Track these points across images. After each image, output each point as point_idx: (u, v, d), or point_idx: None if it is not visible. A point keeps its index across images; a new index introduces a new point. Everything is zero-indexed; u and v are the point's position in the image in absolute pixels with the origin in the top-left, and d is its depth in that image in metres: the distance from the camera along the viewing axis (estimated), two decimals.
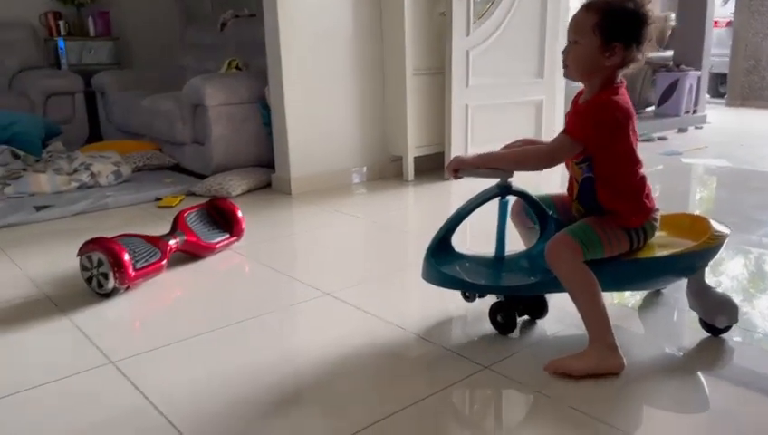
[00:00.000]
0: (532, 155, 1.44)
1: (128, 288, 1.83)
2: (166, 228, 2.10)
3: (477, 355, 1.42)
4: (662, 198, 3.02)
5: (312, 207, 2.88)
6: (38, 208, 2.71)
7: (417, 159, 3.36)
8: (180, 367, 1.43)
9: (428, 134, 3.37)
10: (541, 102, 3.66)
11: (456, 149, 3.31)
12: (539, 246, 1.49)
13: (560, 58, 1.45)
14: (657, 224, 1.48)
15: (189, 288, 1.94)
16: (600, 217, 1.42)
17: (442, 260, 1.52)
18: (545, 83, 3.64)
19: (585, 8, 1.36)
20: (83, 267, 1.81)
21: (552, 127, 3.74)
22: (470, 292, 1.59)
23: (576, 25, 1.37)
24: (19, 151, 3.34)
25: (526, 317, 1.58)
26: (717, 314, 1.46)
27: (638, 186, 1.43)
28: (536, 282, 1.46)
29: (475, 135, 3.38)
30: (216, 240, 2.17)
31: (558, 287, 1.40)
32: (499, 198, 1.48)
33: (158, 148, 3.70)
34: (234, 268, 2.12)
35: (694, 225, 1.57)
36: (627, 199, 1.42)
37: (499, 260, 1.54)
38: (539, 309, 1.57)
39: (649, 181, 1.46)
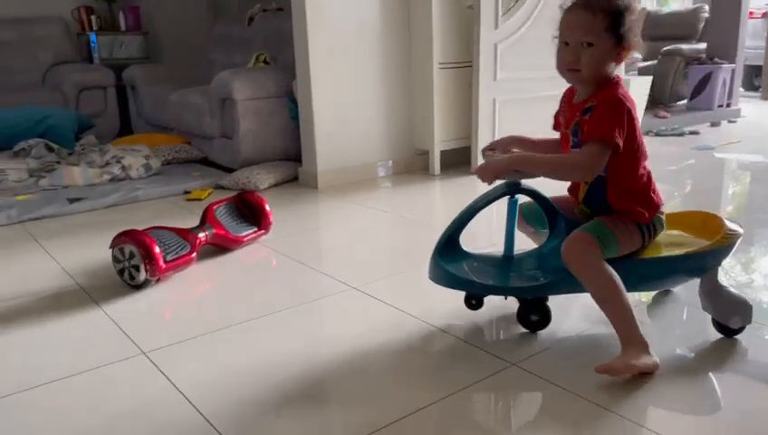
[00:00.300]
0: (571, 165, 1.37)
1: (158, 280, 1.86)
2: (195, 221, 2.13)
3: (504, 352, 1.42)
4: (693, 193, 2.97)
5: (338, 201, 2.89)
6: (71, 201, 2.77)
7: (443, 153, 3.35)
8: (208, 358, 1.45)
9: (455, 128, 3.36)
10: None
11: (483, 144, 3.28)
12: (549, 244, 1.47)
13: None
14: (664, 217, 1.46)
15: (218, 281, 1.97)
16: (610, 215, 1.40)
17: (449, 260, 1.49)
18: None
19: (588, 9, 1.32)
20: (116, 259, 1.85)
21: None
22: (478, 293, 1.53)
23: (585, 27, 1.32)
24: (53, 144, 3.42)
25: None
26: (731, 315, 1.43)
27: (646, 181, 1.42)
28: (547, 282, 1.43)
29: (502, 129, 3.35)
30: (244, 233, 2.20)
31: (569, 287, 1.38)
32: (508, 196, 1.45)
33: (186, 141, 3.75)
34: (261, 261, 2.14)
35: (706, 223, 1.54)
36: (636, 197, 1.40)
37: (508, 259, 1.51)
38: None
39: (654, 177, 1.44)
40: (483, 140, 3.29)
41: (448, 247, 1.50)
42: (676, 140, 4.33)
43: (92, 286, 1.88)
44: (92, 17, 4.88)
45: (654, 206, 1.42)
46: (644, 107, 4.29)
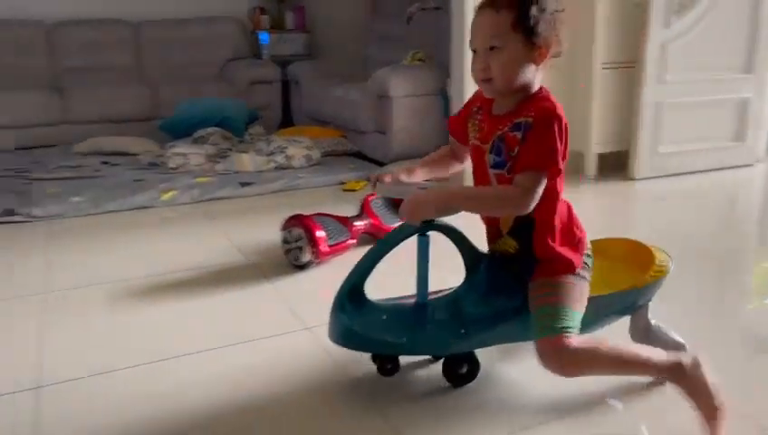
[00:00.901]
0: (508, 199, 1.16)
1: (320, 262, 2.00)
2: (349, 210, 2.26)
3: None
4: None
5: None
6: (242, 185, 3.05)
7: (598, 156, 3.22)
8: None
9: (613, 130, 3.21)
10: (746, 101, 3.30)
11: (644, 149, 3.13)
12: (466, 287, 1.30)
13: None
14: (591, 249, 1.28)
15: None
16: (543, 283, 1.21)
17: (354, 314, 1.25)
18: (754, 80, 3.29)
19: (491, 6, 1.14)
20: (285, 240, 2.01)
21: (759, 129, 3.37)
22: (388, 356, 1.31)
23: (489, 29, 1.14)
24: (227, 133, 3.77)
25: None
26: None
27: (568, 213, 1.23)
28: (467, 334, 1.24)
29: (665, 135, 3.16)
30: (395, 225, 2.29)
31: (496, 341, 1.29)
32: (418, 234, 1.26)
33: (342, 135, 3.95)
34: (411, 251, 2.21)
35: (634, 252, 1.41)
36: (561, 236, 1.22)
37: (422, 308, 1.28)
38: None
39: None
40: (643, 145, 3.13)
41: (352, 299, 1.27)
42: None
43: (261, 264, 2.06)
44: (263, 17, 5.29)
45: (580, 244, 1.24)
46: None
